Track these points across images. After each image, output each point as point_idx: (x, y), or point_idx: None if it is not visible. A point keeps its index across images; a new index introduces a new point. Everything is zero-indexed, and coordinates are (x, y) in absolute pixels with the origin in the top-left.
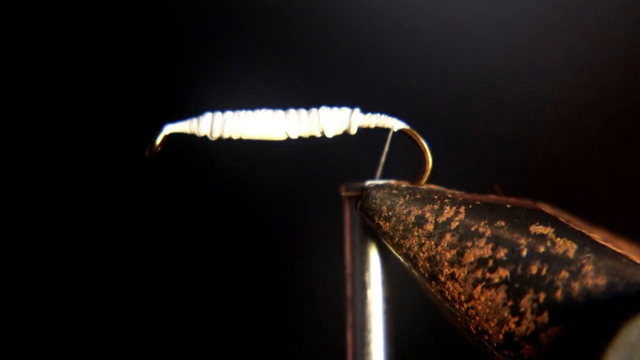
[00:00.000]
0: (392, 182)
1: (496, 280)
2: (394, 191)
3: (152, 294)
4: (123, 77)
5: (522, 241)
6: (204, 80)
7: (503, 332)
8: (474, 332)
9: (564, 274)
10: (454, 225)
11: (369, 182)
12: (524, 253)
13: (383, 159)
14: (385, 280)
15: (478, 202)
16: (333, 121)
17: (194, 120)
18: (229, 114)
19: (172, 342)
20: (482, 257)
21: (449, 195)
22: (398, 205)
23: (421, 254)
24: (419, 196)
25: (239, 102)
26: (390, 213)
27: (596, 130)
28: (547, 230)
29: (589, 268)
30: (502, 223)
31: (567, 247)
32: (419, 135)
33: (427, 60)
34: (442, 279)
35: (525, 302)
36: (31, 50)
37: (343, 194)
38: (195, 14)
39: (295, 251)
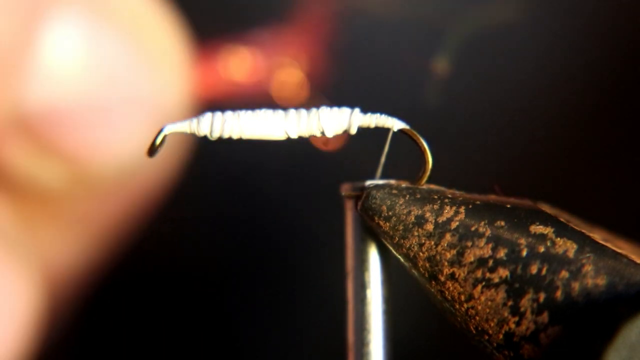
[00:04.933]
0: (392, 182)
1: (496, 280)
2: (394, 191)
3: (153, 294)
4: None
5: (522, 241)
6: None
7: (503, 332)
8: (474, 332)
9: (564, 274)
10: (454, 225)
11: (369, 182)
12: (524, 253)
13: (383, 159)
14: (385, 280)
15: (478, 202)
16: (333, 121)
17: (194, 120)
18: (229, 114)
19: (172, 342)
20: (482, 257)
21: (449, 195)
22: (398, 205)
23: (421, 254)
24: (419, 196)
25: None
26: (390, 213)
27: (596, 130)
28: (547, 230)
29: (589, 268)
30: (502, 223)
31: (567, 247)
32: (419, 135)
33: (426, 59)
34: (442, 279)
35: (525, 302)
36: None
37: (343, 193)
38: (194, 14)
39: (295, 251)
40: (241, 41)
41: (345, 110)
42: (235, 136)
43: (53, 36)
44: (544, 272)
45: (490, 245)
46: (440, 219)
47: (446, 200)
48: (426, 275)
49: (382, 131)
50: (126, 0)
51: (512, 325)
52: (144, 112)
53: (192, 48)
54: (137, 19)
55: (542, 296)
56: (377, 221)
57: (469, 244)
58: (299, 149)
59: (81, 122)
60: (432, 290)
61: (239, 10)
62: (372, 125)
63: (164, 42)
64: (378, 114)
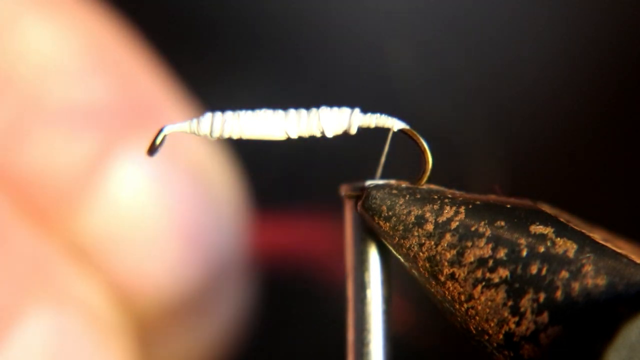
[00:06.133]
0: (392, 182)
1: (496, 280)
2: (394, 191)
3: None
4: None
5: (522, 241)
6: (204, 80)
7: (503, 332)
8: (474, 332)
9: (564, 274)
10: (454, 225)
11: (369, 182)
12: (524, 253)
13: (383, 159)
14: (385, 280)
15: (478, 202)
16: (333, 121)
17: (194, 120)
18: (229, 114)
19: None
20: (482, 257)
21: (449, 195)
22: (398, 205)
23: (421, 254)
24: (419, 196)
25: (239, 102)
26: (390, 213)
27: (596, 130)
28: (547, 230)
29: (589, 268)
30: (502, 223)
31: (567, 247)
32: (419, 135)
33: (427, 59)
34: (442, 279)
35: (525, 302)
36: None
37: (343, 193)
38: (197, 16)
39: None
40: (298, 211)
41: (345, 110)
42: (235, 136)
43: (118, 172)
44: (544, 272)
45: (490, 245)
46: (440, 219)
47: (446, 200)
48: (426, 275)
49: (382, 131)
50: (194, 150)
51: (512, 325)
52: (192, 245)
53: (253, 211)
54: (204, 167)
55: (542, 296)
56: (377, 221)
57: (469, 244)
58: (299, 149)
59: (132, 252)
60: (432, 290)
61: (302, 181)
62: (372, 125)
63: (225, 191)
64: (378, 114)
